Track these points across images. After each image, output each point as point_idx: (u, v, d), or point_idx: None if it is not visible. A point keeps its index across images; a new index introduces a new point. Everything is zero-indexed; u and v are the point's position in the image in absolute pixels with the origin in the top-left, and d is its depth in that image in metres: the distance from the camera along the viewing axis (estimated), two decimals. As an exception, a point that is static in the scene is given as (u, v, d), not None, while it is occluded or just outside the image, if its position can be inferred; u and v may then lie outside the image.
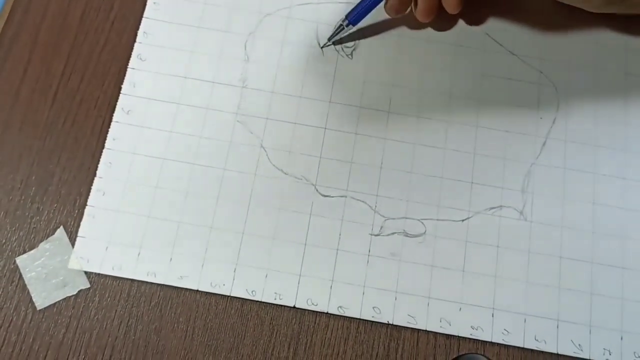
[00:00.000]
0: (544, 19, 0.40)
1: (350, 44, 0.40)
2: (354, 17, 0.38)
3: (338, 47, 0.40)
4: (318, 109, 0.38)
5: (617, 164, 0.38)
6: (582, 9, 0.37)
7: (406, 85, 0.39)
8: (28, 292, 0.35)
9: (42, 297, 0.34)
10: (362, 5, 0.37)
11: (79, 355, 0.34)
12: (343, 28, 0.38)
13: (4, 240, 0.35)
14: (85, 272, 0.35)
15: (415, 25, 0.40)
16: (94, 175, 0.37)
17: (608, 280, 0.36)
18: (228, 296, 0.35)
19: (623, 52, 0.40)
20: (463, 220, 0.37)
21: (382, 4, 0.38)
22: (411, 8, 0.38)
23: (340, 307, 0.35)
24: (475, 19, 0.40)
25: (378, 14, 0.39)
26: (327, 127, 0.38)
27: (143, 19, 0.40)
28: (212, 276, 0.35)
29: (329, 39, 0.39)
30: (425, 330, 0.35)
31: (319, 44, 0.40)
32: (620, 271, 0.36)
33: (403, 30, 0.40)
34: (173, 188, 0.37)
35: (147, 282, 0.35)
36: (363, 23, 0.39)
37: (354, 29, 0.39)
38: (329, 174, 0.37)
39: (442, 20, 0.39)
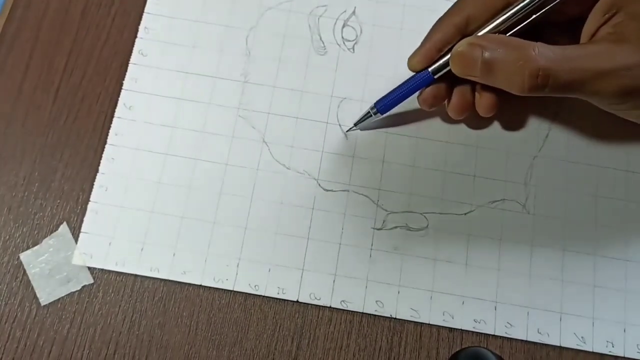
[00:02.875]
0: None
1: (352, 37, 0.40)
2: (382, 106, 0.36)
3: (340, 40, 0.40)
4: (320, 103, 0.38)
5: (619, 157, 0.38)
6: None
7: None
8: (32, 288, 0.35)
9: (46, 292, 0.35)
10: (393, 95, 0.35)
11: (84, 350, 0.34)
12: (371, 115, 0.36)
13: (7, 237, 0.36)
14: (89, 268, 0.35)
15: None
16: (97, 171, 0.37)
17: (611, 273, 0.36)
18: (231, 291, 0.35)
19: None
20: (466, 214, 0.37)
21: (414, 96, 0.36)
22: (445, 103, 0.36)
23: (343, 301, 0.35)
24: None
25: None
26: (329, 121, 0.38)
27: (144, 14, 0.40)
28: (215, 271, 0.35)
29: (355, 124, 0.37)
30: (428, 324, 0.35)
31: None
32: (623, 263, 0.36)
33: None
34: (175, 183, 0.37)
35: (150, 277, 0.35)
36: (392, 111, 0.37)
37: (382, 117, 0.36)
38: (331, 168, 0.37)
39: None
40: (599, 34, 0.31)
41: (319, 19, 0.40)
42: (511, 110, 0.38)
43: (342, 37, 0.40)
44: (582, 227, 0.36)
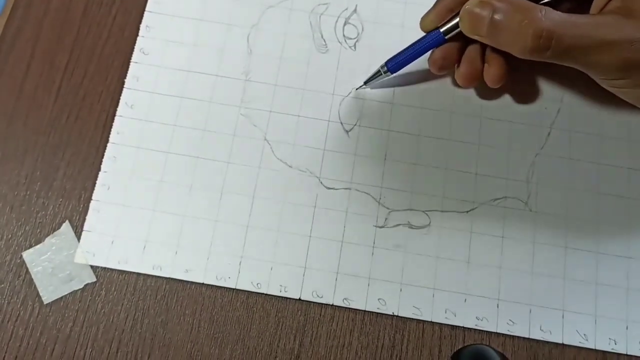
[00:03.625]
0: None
1: (354, 35, 0.40)
2: (393, 65, 0.36)
3: (341, 38, 0.40)
4: (321, 101, 0.38)
5: (621, 154, 0.38)
6: None
7: (410, 77, 0.39)
8: (35, 287, 0.35)
9: (49, 291, 0.35)
10: (404, 54, 0.36)
11: (86, 349, 0.34)
12: (381, 74, 0.37)
13: (10, 235, 0.36)
14: (91, 266, 0.35)
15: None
16: (99, 169, 0.37)
17: (613, 270, 0.36)
18: (233, 289, 0.35)
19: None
20: (468, 212, 0.37)
21: (425, 56, 0.36)
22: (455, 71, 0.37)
23: (346, 299, 0.35)
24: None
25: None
26: (331, 119, 0.38)
27: (145, 12, 0.40)
28: (217, 269, 0.35)
29: (365, 83, 0.37)
30: (431, 322, 0.35)
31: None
32: (626, 261, 0.36)
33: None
34: (177, 182, 0.37)
35: (152, 276, 0.35)
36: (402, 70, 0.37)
37: (392, 76, 0.37)
38: (333, 166, 0.37)
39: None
40: (608, 7, 0.31)
41: (320, 16, 0.40)
42: (513, 108, 0.38)
43: (344, 35, 0.40)
44: (584, 225, 0.36)
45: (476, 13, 0.32)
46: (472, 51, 0.35)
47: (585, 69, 0.31)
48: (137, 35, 0.39)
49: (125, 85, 0.38)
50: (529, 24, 0.29)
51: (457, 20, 0.33)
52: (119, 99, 0.38)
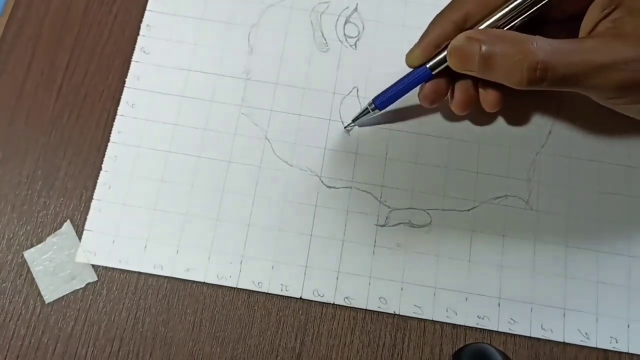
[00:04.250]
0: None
1: (354, 34, 0.40)
2: (381, 102, 0.35)
3: (342, 37, 0.40)
4: (322, 100, 0.38)
5: (622, 153, 0.38)
6: None
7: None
8: (36, 286, 0.35)
9: (50, 290, 0.35)
10: (392, 90, 0.35)
11: (88, 348, 0.34)
12: (369, 111, 0.36)
13: (11, 235, 0.36)
14: (93, 266, 0.35)
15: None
16: (100, 168, 0.37)
17: (614, 269, 0.36)
18: (235, 288, 0.35)
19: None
20: (469, 210, 0.36)
21: (414, 92, 0.35)
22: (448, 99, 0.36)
23: (347, 297, 0.35)
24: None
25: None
26: (331, 118, 0.38)
27: (146, 11, 0.40)
28: (218, 268, 0.35)
29: (353, 121, 0.37)
30: (432, 320, 0.35)
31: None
32: (627, 259, 0.36)
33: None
34: (178, 181, 0.37)
35: (154, 275, 0.35)
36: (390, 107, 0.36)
37: (380, 113, 0.36)
38: (334, 165, 0.37)
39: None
40: (598, 29, 0.31)
41: (321, 15, 0.40)
42: (514, 107, 0.38)
43: (344, 34, 0.40)
44: (585, 223, 0.36)
45: (465, 49, 0.31)
46: (464, 81, 0.35)
47: (584, 92, 0.31)
48: (137, 34, 0.39)
49: (126, 85, 0.38)
50: (523, 58, 0.29)
51: (443, 54, 0.33)
52: (120, 98, 0.38)
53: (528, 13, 0.32)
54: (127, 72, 0.39)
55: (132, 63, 0.39)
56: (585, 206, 0.37)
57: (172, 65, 0.39)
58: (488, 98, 0.35)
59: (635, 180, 0.37)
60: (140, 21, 0.40)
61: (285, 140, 0.38)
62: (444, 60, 0.33)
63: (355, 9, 0.40)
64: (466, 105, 0.35)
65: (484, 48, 0.30)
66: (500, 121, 0.38)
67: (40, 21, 0.40)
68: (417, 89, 0.35)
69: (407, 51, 0.34)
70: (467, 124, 0.38)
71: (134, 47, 0.39)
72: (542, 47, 0.29)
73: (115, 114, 0.38)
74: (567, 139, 0.38)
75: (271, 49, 0.39)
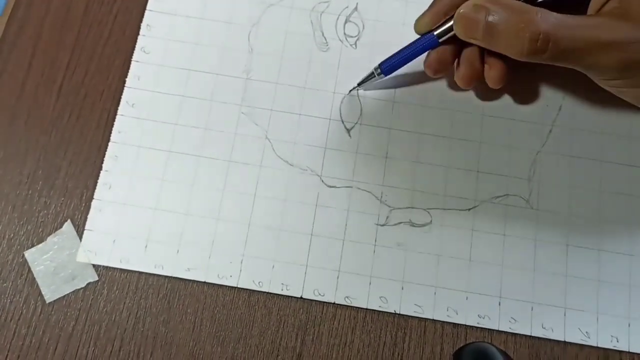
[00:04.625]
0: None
1: (354, 33, 0.40)
2: (387, 67, 0.36)
3: (342, 36, 0.40)
4: (322, 99, 0.38)
5: (623, 151, 0.37)
6: None
7: (405, 78, 0.39)
8: (37, 286, 0.35)
9: (51, 290, 0.35)
10: (399, 56, 0.35)
11: (89, 347, 0.34)
12: (374, 76, 0.36)
13: (12, 234, 0.36)
14: (93, 265, 0.35)
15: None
16: (100, 168, 0.37)
17: (615, 268, 0.35)
18: (235, 287, 0.35)
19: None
20: (469, 209, 0.36)
21: (420, 58, 0.36)
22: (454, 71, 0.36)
23: (347, 297, 0.35)
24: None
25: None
26: (332, 117, 0.38)
27: (146, 11, 0.40)
28: (219, 268, 0.35)
29: (359, 84, 0.37)
30: (432, 320, 0.35)
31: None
32: (628, 258, 0.36)
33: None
34: (179, 180, 0.37)
35: (154, 274, 0.35)
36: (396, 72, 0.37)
37: (386, 78, 0.37)
38: (335, 165, 0.37)
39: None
40: (605, 9, 0.31)
41: (321, 15, 0.40)
42: (515, 105, 0.38)
43: (345, 33, 0.40)
44: (585, 222, 0.36)
45: (471, 17, 0.31)
46: (470, 53, 0.35)
47: (584, 70, 0.31)
48: (138, 34, 0.39)
49: (126, 84, 0.38)
50: (525, 27, 0.29)
51: (451, 23, 0.33)
52: (120, 97, 0.38)
53: None
54: (128, 71, 0.39)
55: (133, 63, 0.39)
56: (586, 205, 0.37)
57: (172, 65, 0.39)
58: (492, 74, 0.35)
59: (636, 179, 0.37)
60: (141, 21, 0.40)
61: (285, 139, 0.38)
62: (450, 29, 0.33)
63: (356, 9, 0.40)
64: (471, 79, 0.35)
65: (489, 17, 0.30)
66: (501, 120, 0.38)
67: (40, 21, 0.40)
68: (422, 57, 0.36)
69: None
70: (467, 122, 0.38)
71: (134, 46, 0.39)
72: (546, 18, 0.29)
73: (115, 113, 0.38)
74: (568, 138, 0.38)
75: (271, 49, 0.39)
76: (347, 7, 0.40)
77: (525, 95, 0.38)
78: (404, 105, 0.38)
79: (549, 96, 0.38)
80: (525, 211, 0.36)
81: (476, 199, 0.37)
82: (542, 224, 0.36)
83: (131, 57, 0.39)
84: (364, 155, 0.37)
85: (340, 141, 0.38)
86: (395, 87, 0.38)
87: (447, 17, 0.34)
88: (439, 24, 0.34)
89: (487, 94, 0.38)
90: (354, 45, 0.40)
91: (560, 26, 0.29)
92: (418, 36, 0.35)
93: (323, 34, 0.40)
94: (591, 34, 0.29)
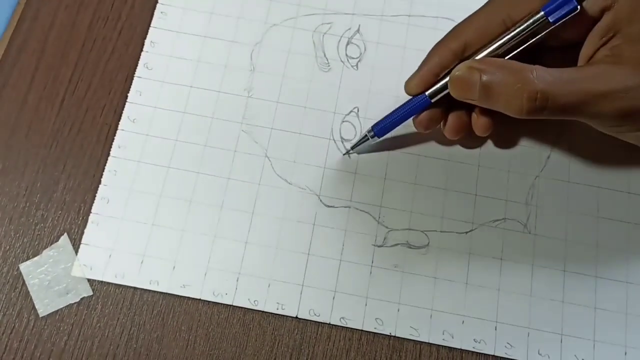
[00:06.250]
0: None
1: (356, 54, 0.40)
2: (379, 129, 0.36)
3: (344, 57, 0.40)
4: (323, 119, 0.39)
5: (621, 178, 0.38)
6: None
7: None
8: (31, 299, 0.35)
9: (45, 304, 0.34)
10: (390, 118, 0.35)
11: (81, 363, 0.34)
12: (368, 139, 0.36)
13: (7, 247, 0.36)
14: (88, 280, 0.35)
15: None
16: (99, 182, 0.37)
17: (612, 295, 0.35)
18: (230, 305, 0.35)
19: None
20: (467, 232, 0.36)
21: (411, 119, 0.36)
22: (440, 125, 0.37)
23: (343, 318, 0.35)
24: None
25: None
26: (332, 137, 0.38)
27: (150, 28, 0.40)
28: (214, 285, 0.35)
29: (352, 148, 0.37)
30: (428, 343, 0.35)
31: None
32: (624, 285, 0.36)
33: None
34: (177, 196, 0.37)
35: (149, 291, 0.35)
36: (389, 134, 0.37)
37: (379, 140, 0.37)
38: (333, 185, 0.37)
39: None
40: (597, 57, 0.31)
41: (323, 36, 0.41)
42: (513, 130, 0.38)
43: (346, 55, 0.40)
44: (583, 248, 0.36)
45: (466, 79, 0.31)
46: (458, 107, 0.35)
47: (584, 120, 0.31)
48: (141, 50, 0.40)
49: (128, 100, 0.39)
50: (522, 87, 0.29)
51: (443, 82, 0.33)
52: (122, 112, 0.38)
53: (526, 44, 0.32)
54: (130, 87, 0.39)
55: (135, 78, 0.39)
56: (584, 231, 0.37)
57: (174, 82, 0.39)
58: (479, 123, 0.35)
59: (634, 206, 0.37)
60: (144, 37, 0.40)
61: (285, 158, 0.38)
62: (442, 88, 0.33)
63: (358, 30, 0.41)
64: (459, 130, 0.36)
65: (484, 77, 0.31)
66: (500, 145, 0.38)
67: (45, 35, 0.40)
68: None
69: (408, 73, 0.35)
70: (466, 146, 0.38)
71: (137, 62, 0.39)
72: (541, 76, 0.29)
73: (116, 128, 0.38)
74: (567, 164, 0.38)
75: (273, 68, 0.40)
76: (349, 28, 0.41)
77: (525, 120, 0.39)
78: (403, 127, 0.38)
79: (548, 122, 0.39)
80: (523, 235, 0.36)
81: (474, 222, 0.37)
82: (539, 248, 0.36)
83: (134, 73, 0.39)
84: (362, 176, 0.37)
85: (339, 161, 0.38)
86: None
87: (438, 78, 0.34)
88: (430, 84, 0.34)
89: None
90: (355, 67, 0.40)
91: (556, 82, 0.29)
92: (420, 59, 0.36)
93: (325, 55, 0.40)
94: (588, 86, 0.29)
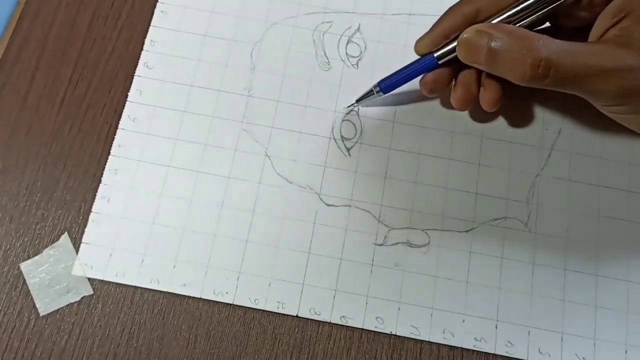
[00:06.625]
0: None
1: (356, 53, 0.40)
2: (386, 85, 0.36)
3: (344, 56, 0.40)
4: (323, 118, 0.39)
5: (622, 177, 0.38)
6: None
7: (403, 97, 0.39)
8: (31, 298, 0.35)
9: (46, 303, 0.34)
10: (398, 75, 0.36)
11: (81, 362, 0.34)
12: (373, 93, 0.37)
13: (8, 246, 0.36)
14: (89, 279, 0.35)
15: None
16: (99, 181, 0.37)
17: (613, 293, 0.35)
18: (231, 304, 0.35)
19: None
20: (467, 231, 0.36)
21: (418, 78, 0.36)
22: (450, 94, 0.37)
23: (343, 316, 0.35)
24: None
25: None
26: (332, 136, 0.38)
27: (150, 27, 0.40)
28: (215, 284, 0.35)
29: (357, 101, 0.38)
30: (428, 342, 0.35)
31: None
32: (625, 284, 0.36)
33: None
34: (177, 195, 0.37)
35: (150, 290, 0.35)
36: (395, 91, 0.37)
37: (384, 96, 0.37)
38: (334, 183, 0.37)
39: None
40: (606, 36, 0.31)
41: (323, 34, 0.41)
42: (514, 128, 0.38)
43: (347, 53, 0.40)
44: (584, 247, 0.36)
45: (474, 42, 0.32)
46: (467, 75, 0.35)
47: (585, 96, 0.32)
48: (141, 49, 0.40)
49: (128, 99, 0.39)
50: (527, 53, 0.30)
51: (451, 46, 0.34)
52: (122, 111, 0.38)
53: (538, 14, 0.32)
54: (130, 86, 0.39)
55: (135, 77, 0.39)
56: (584, 230, 0.37)
57: (174, 81, 0.39)
58: (487, 97, 0.35)
59: (635, 205, 0.37)
60: (145, 36, 0.40)
61: (285, 157, 0.38)
62: (451, 51, 0.34)
63: (358, 29, 0.41)
64: (466, 101, 0.36)
65: (492, 42, 0.31)
66: (500, 142, 0.38)
67: (45, 34, 0.40)
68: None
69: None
70: (467, 145, 0.38)
71: (138, 61, 0.39)
72: (547, 45, 0.30)
73: (116, 127, 0.38)
74: (567, 162, 0.38)
75: (273, 67, 0.40)
76: (349, 27, 0.41)
77: (525, 118, 0.39)
78: (404, 126, 0.38)
79: (549, 120, 0.39)
80: (524, 234, 0.36)
81: (474, 220, 0.37)
82: (540, 247, 0.36)
83: (134, 72, 0.39)
84: (363, 175, 0.37)
85: (339, 160, 0.38)
86: (393, 104, 0.39)
87: (448, 40, 0.34)
88: (439, 46, 0.35)
89: (486, 116, 0.38)
90: (355, 66, 0.40)
91: (562, 53, 0.30)
92: (418, 57, 0.36)
93: (325, 54, 0.40)
94: (592, 61, 0.30)
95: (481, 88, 0.35)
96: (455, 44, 0.34)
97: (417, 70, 0.35)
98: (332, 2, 0.41)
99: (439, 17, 0.35)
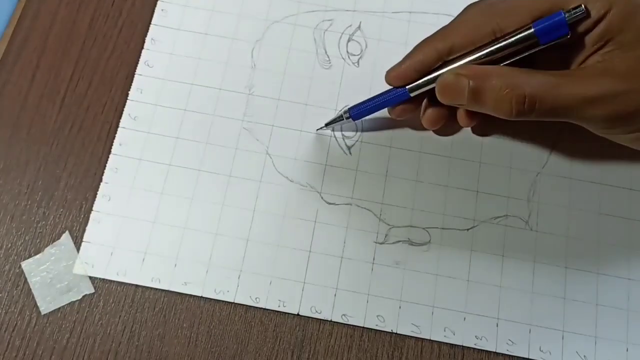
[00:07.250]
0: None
1: (357, 51, 0.40)
2: (356, 113, 0.36)
3: (344, 54, 0.40)
4: (324, 116, 0.38)
5: (623, 175, 0.38)
6: None
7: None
8: (33, 297, 0.35)
9: (47, 301, 0.35)
10: (369, 104, 0.36)
11: (83, 360, 0.34)
12: (343, 119, 0.36)
13: (9, 245, 0.36)
14: (90, 277, 0.35)
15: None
16: (100, 180, 0.37)
17: (613, 291, 0.35)
18: (232, 303, 0.35)
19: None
20: (468, 229, 0.36)
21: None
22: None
23: (344, 315, 0.35)
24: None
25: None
26: (333, 135, 0.38)
27: (151, 25, 0.40)
28: (216, 282, 0.35)
29: (326, 124, 0.37)
30: (429, 340, 0.35)
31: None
32: (626, 282, 0.36)
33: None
34: (178, 194, 0.37)
35: (151, 288, 0.35)
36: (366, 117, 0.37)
37: (353, 122, 0.37)
38: (334, 182, 0.37)
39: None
40: (588, 62, 0.31)
41: (324, 33, 0.40)
42: (514, 127, 0.38)
43: (347, 52, 0.40)
44: (584, 245, 0.36)
45: (454, 85, 0.31)
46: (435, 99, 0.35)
47: (575, 122, 0.31)
48: (142, 47, 0.40)
49: (129, 97, 0.39)
50: (510, 92, 0.29)
51: (424, 79, 0.33)
52: (123, 110, 0.38)
53: (512, 60, 0.31)
54: (131, 85, 0.39)
55: (136, 76, 0.39)
56: (586, 228, 0.37)
57: (175, 79, 0.39)
58: (462, 113, 0.35)
59: (636, 203, 0.37)
60: (145, 35, 0.40)
61: (286, 155, 0.38)
62: (423, 84, 0.33)
63: (359, 27, 0.41)
64: (437, 121, 0.36)
65: (472, 83, 0.31)
66: (501, 141, 0.38)
67: (45, 33, 0.40)
68: None
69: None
70: (468, 143, 0.38)
71: (138, 60, 0.39)
72: (528, 81, 0.30)
73: (117, 126, 0.38)
74: (568, 160, 0.38)
75: (274, 65, 0.40)
76: (350, 25, 0.41)
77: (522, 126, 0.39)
78: (405, 124, 0.38)
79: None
80: (524, 232, 0.36)
81: (475, 219, 0.37)
82: (541, 245, 0.36)
83: (134, 71, 0.39)
84: (364, 173, 0.37)
85: (340, 158, 0.38)
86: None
87: (419, 74, 0.33)
88: (411, 80, 0.34)
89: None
90: (356, 64, 0.40)
91: (545, 85, 0.29)
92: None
93: (326, 52, 0.40)
94: (577, 90, 0.29)
95: (459, 110, 0.35)
96: (427, 78, 0.33)
97: (389, 101, 0.35)
98: (332, 0, 0.41)
99: (434, 24, 0.35)
